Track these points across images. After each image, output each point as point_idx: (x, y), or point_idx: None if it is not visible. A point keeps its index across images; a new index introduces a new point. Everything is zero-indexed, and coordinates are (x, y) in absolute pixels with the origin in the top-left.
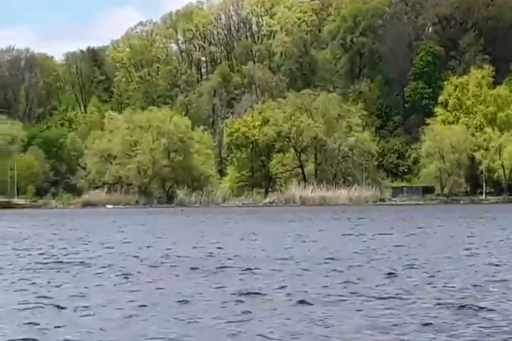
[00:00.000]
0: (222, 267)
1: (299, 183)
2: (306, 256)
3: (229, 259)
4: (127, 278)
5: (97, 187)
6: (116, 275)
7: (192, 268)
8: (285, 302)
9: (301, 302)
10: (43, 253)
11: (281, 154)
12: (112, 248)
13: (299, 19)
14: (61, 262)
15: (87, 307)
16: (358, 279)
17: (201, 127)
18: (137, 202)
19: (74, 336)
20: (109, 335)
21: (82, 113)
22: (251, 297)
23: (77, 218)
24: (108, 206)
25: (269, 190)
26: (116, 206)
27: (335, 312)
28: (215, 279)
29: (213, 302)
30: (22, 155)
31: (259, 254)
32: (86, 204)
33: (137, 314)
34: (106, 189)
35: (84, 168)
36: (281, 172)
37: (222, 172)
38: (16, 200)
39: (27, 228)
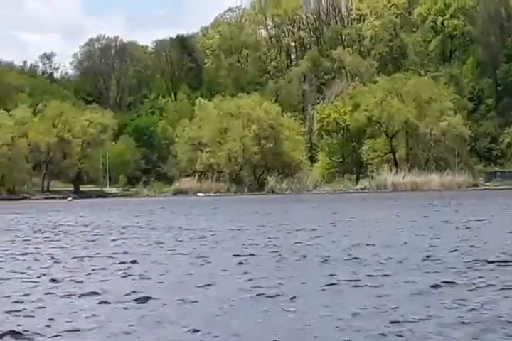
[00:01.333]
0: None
1: (390, 169)
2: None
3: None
4: None
5: (187, 175)
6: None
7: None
8: None
9: None
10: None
11: (373, 139)
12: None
13: (388, 2)
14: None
15: None
16: None
17: (291, 113)
18: (228, 189)
19: None
20: None
21: (172, 101)
22: None
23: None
24: (199, 194)
25: (361, 176)
26: (207, 194)
27: None
28: None
29: None
30: (113, 144)
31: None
32: (177, 193)
33: None
34: (197, 177)
35: (175, 156)
36: (373, 158)
37: (312, 159)
38: (108, 189)
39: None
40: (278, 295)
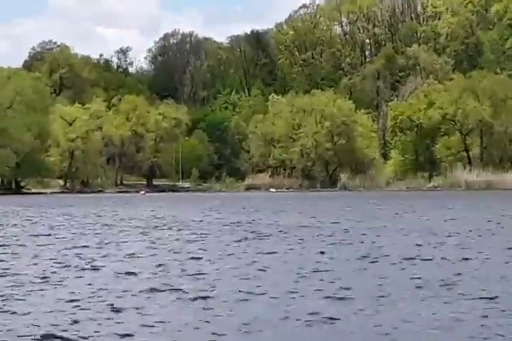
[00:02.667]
0: None
1: (464, 167)
2: None
3: None
4: None
5: (260, 171)
6: None
7: None
8: None
9: None
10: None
11: (447, 137)
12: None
13: (465, 0)
14: None
15: None
16: None
17: (364, 110)
18: (300, 185)
19: None
20: None
21: (245, 96)
22: None
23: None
24: (271, 189)
25: (434, 173)
26: (280, 189)
27: None
28: None
29: None
30: (187, 138)
31: None
32: (249, 188)
33: None
34: (269, 172)
35: (248, 152)
36: (446, 156)
37: (385, 156)
38: (181, 184)
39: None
40: None
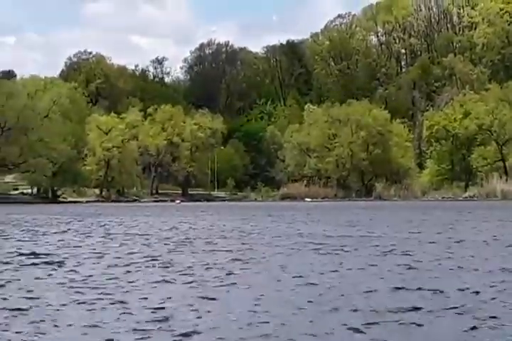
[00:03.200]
0: None
1: (500, 177)
2: None
3: None
4: None
5: (295, 180)
6: None
7: None
8: None
9: None
10: None
11: (483, 147)
12: None
13: (501, 10)
14: None
15: None
16: None
17: (400, 120)
18: (335, 195)
19: None
20: None
21: (281, 106)
22: None
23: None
24: (307, 199)
25: (469, 183)
26: (315, 199)
27: None
28: None
29: None
30: (222, 148)
31: None
32: (284, 197)
33: None
34: (304, 182)
35: (283, 161)
36: (482, 166)
37: (421, 166)
38: (216, 193)
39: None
40: None
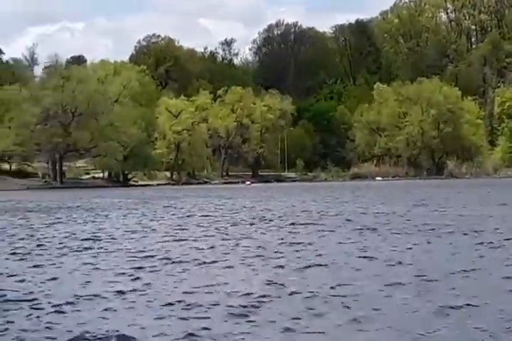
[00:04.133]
0: None
1: None
2: None
3: None
4: None
5: (365, 160)
6: None
7: None
8: None
9: None
10: None
11: None
12: None
13: None
14: None
15: None
16: None
17: (471, 97)
18: (406, 173)
19: None
20: None
21: (350, 85)
22: None
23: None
24: (377, 178)
25: None
26: (385, 178)
27: None
28: None
29: None
30: (292, 128)
31: None
32: (355, 177)
33: None
34: (375, 161)
35: (353, 141)
36: None
37: (493, 143)
38: (286, 173)
39: None
40: None
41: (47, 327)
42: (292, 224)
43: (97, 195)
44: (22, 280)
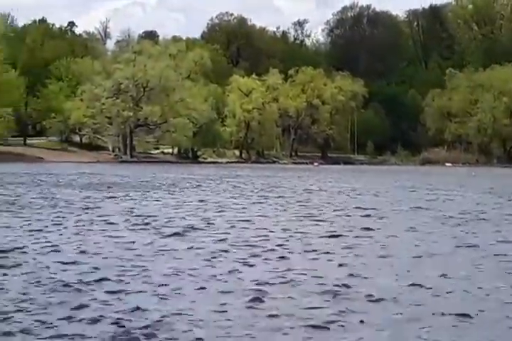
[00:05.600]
0: None
1: None
2: None
3: None
4: None
5: (436, 145)
6: None
7: None
8: None
9: None
10: None
11: None
12: None
13: None
14: None
15: None
16: None
17: None
18: (477, 160)
19: None
20: None
21: (422, 70)
22: None
23: None
24: (447, 164)
25: None
26: (455, 164)
27: None
28: None
29: None
30: (362, 111)
31: None
32: (425, 162)
33: None
34: (445, 147)
35: (424, 125)
36: None
37: None
38: (355, 156)
39: None
40: None
41: None
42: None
43: (172, 171)
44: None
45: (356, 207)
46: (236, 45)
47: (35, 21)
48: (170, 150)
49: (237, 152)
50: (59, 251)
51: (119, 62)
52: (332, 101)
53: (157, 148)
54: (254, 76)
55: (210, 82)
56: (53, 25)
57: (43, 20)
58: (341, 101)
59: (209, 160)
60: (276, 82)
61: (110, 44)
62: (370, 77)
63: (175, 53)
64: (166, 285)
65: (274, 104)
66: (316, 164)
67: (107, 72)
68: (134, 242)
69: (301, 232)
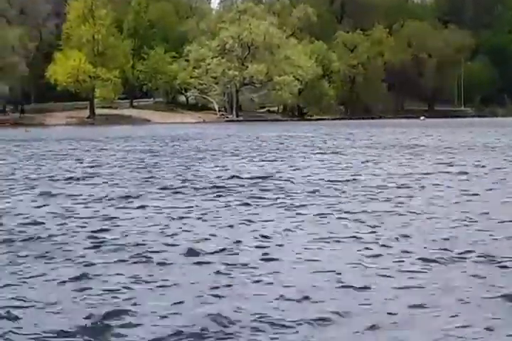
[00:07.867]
0: None
1: None
2: None
3: None
4: None
5: None
6: None
7: None
8: None
9: None
10: None
11: None
12: None
13: None
14: None
15: None
16: None
17: None
18: None
19: None
20: None
21: None
22: None
23: None
24: None
25: None
26: None
27: None
28: None
29: None
30: (469, 63)
31: None
32: None
33: None
34: None
35: None
36: None
37: None
38: (462, 109)
39: None
40: None
41: None
42: None
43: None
44: None
45: None
46: (340, 1)
47: None
48: (275, 109)
49: (342, 108)
50: None
51: (224, 21)
52: (439, 54)
53: (263, 107)
54: (359, 31)
55: (315, 39)
56: None
57: None
58: (448, 53)
59: (315, 117)
60: (381, 36)
61: (214, 3)
62: (477, 28)
63: (279, 11)
64: None
65: (380, 58)
66: (422, 118)
67: (212, 32)
68: None
69: None
